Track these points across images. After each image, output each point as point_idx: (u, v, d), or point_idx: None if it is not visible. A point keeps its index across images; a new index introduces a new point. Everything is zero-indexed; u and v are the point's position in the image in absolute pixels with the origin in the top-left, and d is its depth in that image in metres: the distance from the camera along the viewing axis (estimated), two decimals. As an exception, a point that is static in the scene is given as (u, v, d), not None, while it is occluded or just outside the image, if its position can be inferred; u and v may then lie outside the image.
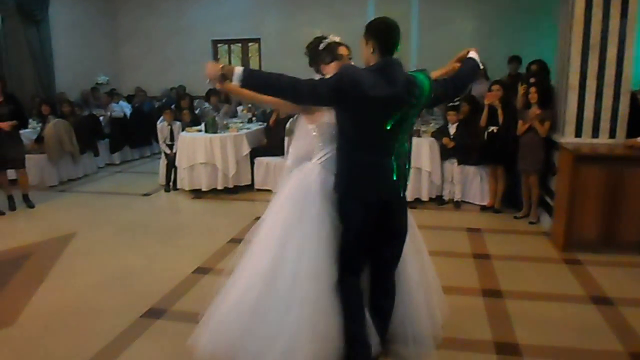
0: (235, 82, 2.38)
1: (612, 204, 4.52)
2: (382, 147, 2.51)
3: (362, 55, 2.52)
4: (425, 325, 2.85)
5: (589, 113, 4.83)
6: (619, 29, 4.62)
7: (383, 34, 2.44)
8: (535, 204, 5.52)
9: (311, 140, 2.72)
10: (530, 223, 5.50)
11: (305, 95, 2.44)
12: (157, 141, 7.85)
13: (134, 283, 4.13)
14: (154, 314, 3.58)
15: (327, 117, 2.62)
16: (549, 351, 3.10)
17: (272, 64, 11.07)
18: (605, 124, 4.82)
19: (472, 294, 3.85)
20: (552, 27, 6.52)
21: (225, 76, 2.41)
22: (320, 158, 2.69)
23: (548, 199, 5.35)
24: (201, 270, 4.32)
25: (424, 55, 9.66)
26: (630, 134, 4.78)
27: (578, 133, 4.89)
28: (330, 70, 2.67)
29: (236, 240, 4.99)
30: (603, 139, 4.84)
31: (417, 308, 2.83)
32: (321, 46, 2.72)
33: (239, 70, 2.39)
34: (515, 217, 5.68)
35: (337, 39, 2.75)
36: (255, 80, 2.45)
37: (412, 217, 2.85)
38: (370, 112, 2.42)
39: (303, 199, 2.61)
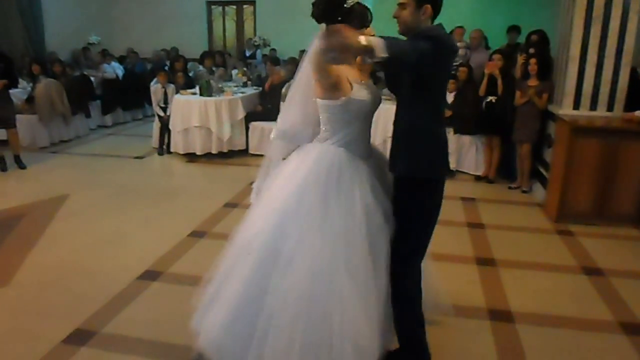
0: (382, 54, 1.86)
1: (606, 176, 4.55)
2: (442, 112, 2.41)
3: (409, 19, 2.21)
4: (441, 292, 2.81)
5: (588, 85, 4.81)
6: (623, 1, 4.56)
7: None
8: (527, 174, 5.54)
9: (308, 114, 2.38)
10: (523, 191, 5.53)
11: (422, 58, 2.01)
12: (150, 103, 7.74)
13: (129, 245, 4.12)
14: (150, 276, 3.58)
15: (357, 91, 2.27)
16: (540, 319, 3.15)
17: (267, 28, 10.90)
18: (604, 97, 4.81)
19: (467, 262, 3.89)
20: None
21: (367, 51, 1.87)
22: (340, 139, 2.32)
23: (543, 170, 5.37)
24: (197, 234, 4.32)
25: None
26: (628, 107, 4.77)
27: (576, 105, 4.87)
28: None
29: (231, 205, 4.99)
30: (601, 111, 4.83)
31: (432, 276, 2.70)
32: (348, 3, 2.23)
33: (378, 40, 1.87)
34: (510, 188, 5.70)
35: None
36: (396, 47, 1.93)
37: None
38: (447, 72, 2.36)
39: (336, 194, 2.24)
